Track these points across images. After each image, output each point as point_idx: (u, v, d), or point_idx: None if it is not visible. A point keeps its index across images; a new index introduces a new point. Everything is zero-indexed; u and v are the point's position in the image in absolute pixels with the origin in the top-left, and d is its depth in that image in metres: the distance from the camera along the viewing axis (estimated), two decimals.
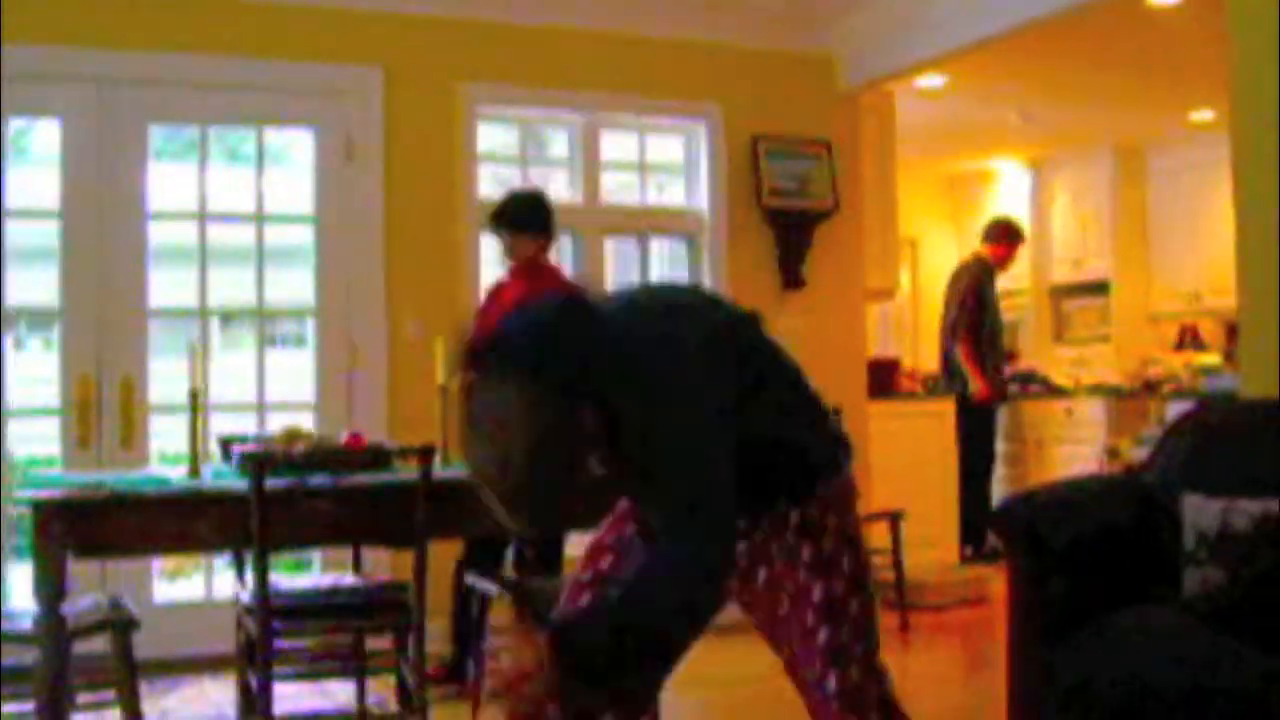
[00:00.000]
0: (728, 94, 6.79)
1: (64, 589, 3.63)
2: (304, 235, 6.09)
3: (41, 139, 5.81)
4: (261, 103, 5.98)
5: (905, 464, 7.23)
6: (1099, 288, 9.56)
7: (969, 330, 8.20)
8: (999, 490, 8.10)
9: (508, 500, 2.16)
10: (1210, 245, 8.55)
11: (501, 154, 6.75)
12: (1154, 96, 7.95)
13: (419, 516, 3.92)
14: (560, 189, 6.69)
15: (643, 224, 6.93)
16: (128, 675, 4.00)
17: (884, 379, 7.54)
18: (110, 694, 4.11)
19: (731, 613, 2.50)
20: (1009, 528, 3.70)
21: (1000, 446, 8.92)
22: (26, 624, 3.68)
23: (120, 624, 3.96)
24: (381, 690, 4.92)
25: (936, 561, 7.31)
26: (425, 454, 3.91)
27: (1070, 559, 3.60)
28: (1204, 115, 8.34)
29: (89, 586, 4.49)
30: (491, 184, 6.56)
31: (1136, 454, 6.78)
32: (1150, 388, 8.77)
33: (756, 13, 6.63)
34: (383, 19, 6.10)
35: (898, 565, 6.45)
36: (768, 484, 2.42)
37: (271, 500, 3.75)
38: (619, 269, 7.22)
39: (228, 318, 6.23)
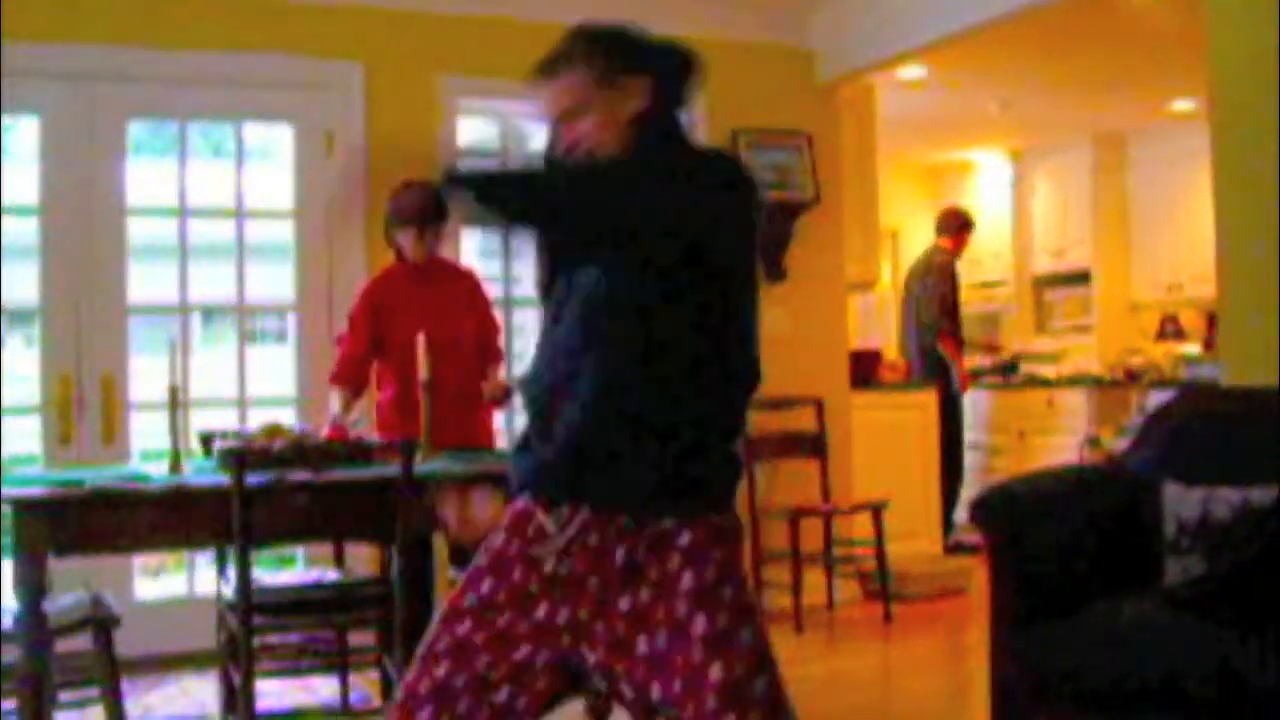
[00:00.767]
0: (708, 86, 6.74)
1: (45, 587, 3.62)
2: (285, 230, 6.07)
3: (20, 136, 5.78)
4: (241, 97, 5.95)
5: (887, 455, 7.24)
6: (1080, 278, 9.58)
7: (953, 324, 8.25)
8: (980, 481, 8.12)
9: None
10: (1191, 235, 8.58)
11: (483, 147, 6.73)
12: (1134, 86, 7.97)
13: (401, 512, 3.91)
14: None
15: None
16: (110, 673, 3.99)
17: (865, 370, 7.55)
18: (92, 692, 4.11)
19: None
20: (989, 518, 3.71)
21: (982, 437, 8.95)
22: (7, 622, 3.66)
23: (102, 621, 3.96)
24: (365, 686, 4.92)
25: (919, 553, 7.32)
26: (407, 449, 3.91)
27: (1051, 549, 3.61)
28: (1184, 105, 8.36)
29: (70, 584, 4.47)
30: None
31: (1118, 444, 6.80)
32: (1132, 377, 8.79)
33: (736, 5, 6.62)
34: (363, 13, 6.08)
35: (880, 556, 6.46)
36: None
37: (253, 496, 3.75)
38: None
39: (208, 314, 6.22)
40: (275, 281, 6.11)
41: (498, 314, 5.31)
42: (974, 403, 8.99)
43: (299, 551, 5.81)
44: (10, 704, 3.66)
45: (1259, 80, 4.31)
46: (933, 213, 9.44)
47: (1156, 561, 3.52)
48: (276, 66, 5.92)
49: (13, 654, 3.61)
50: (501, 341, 5.15)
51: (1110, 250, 9.47)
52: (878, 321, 10.08)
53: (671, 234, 2.22)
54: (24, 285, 5.63)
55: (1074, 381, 8.97)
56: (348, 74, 6.03)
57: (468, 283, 5.05)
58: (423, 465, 4.05)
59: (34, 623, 3.57)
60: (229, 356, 6.00)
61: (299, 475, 3.87)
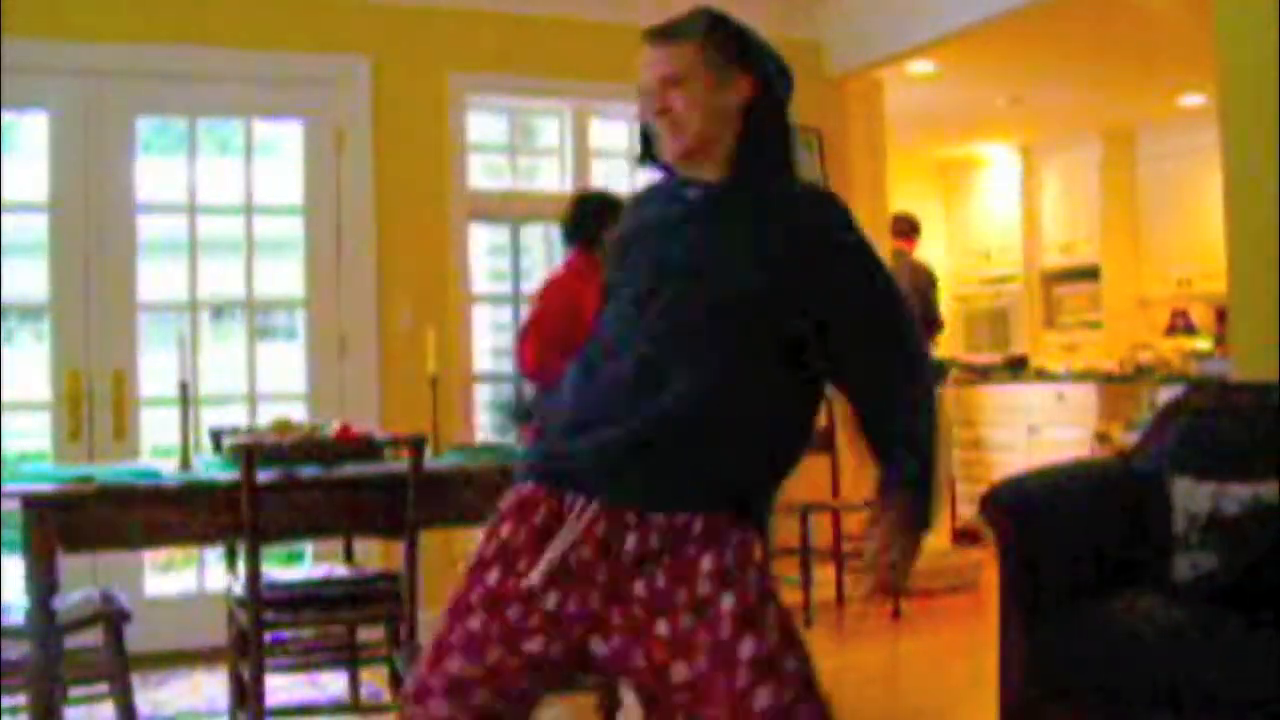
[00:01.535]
0: None
1: (55, 583, 3.63)
2: (294, 226, 6.07)
3: (29, 132, 5.79)
4: (250, 94, 5.96)
5: None
6: (1090, 273, 9.55)
7: (936, 325, 8.31)
8: (994, 476, 8.10)
9: None
10: (1201, 230, 8.54)
11: (491, 143, 6.73)
12: (1144, 81, 7.94)
13: (410, 507, 3.92)
14: (550, 178, 6.68)
15: None
16: (120, 668, 4.00)
17: None
18: (103, 687, 4.12)
19: None
20: (1000, 513, 3.71)
21: (991, 432, 8.93)
22: (18, 618, 3.67)
23: (112, 617, 3.96)
24: (374, 681, 4.93)
25: (928, 548, 7.29)
26: (416, 444, 3.91)
27: (1060, 544, 3.61)
28: (1194, 100, 8.33)
29: (80, 580, 4.48)
30: (481, 173, 6.56)
31: (1127, 439, 6.79)
32: (1141, 372, 8.77)
33: None
34: (371, 9, 6.09)
35: None
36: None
37: (262, 492, 3.75)
38: None
39: (218, 310, 6.21)
40: (285, 277, 6.12)
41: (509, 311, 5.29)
42: (983, 398, 8.98)
43: (307, 547, 5.82)
44: (22, 699, 3.68)
45: (1268, 75, 4.30)
46: (943, 207, 9.44)
47: (1166, 556, 3.51)
48: (285, 63, 5.94)
49: (23, 649, 3.62)
50: None
51: (1120, 245, 9.44)
52: None
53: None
54: (34, 282, 5.64)
55: (1084, 376, 8.95)
56: (356, 70, 6.04)
57: None
58: (432, 461, 4.05)
59: (44, 618, 3.58)
60: (239, 352, 6.01)
61: (309, 471, 3.88)
